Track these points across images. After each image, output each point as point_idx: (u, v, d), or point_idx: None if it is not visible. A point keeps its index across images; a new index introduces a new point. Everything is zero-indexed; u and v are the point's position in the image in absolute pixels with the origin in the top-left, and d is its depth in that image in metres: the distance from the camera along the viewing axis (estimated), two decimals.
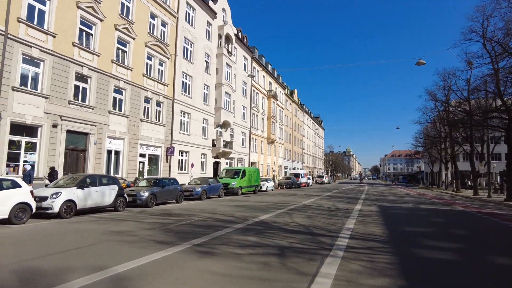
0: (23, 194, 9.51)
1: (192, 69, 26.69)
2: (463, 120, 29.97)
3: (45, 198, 10.38)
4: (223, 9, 33.03)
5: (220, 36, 31.81)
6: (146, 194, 14.52)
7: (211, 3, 30.05)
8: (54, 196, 10.44)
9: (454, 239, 8.48)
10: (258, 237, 7.80)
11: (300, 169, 60.37)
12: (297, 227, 9.48)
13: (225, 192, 22.55)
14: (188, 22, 26.53)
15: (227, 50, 32.15)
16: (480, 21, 21.95)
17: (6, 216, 9.04)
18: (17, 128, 13.78)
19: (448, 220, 12.44)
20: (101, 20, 17.80)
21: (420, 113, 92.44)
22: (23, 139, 14.08)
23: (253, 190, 27.31)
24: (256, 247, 6.81)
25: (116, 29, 18.84)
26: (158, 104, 22.76)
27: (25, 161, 13.97)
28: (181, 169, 25.42)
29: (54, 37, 15.16)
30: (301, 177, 44.09)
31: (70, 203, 10.78)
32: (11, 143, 13.58)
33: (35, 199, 9.97)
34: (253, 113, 41.25)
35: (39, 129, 14.59)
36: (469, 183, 40.12)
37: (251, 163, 39.58)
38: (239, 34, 37.23)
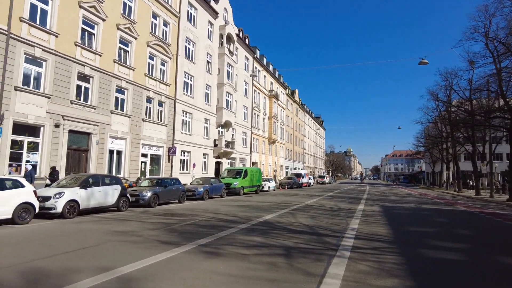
0: (26, 194, 9.48)
1: (194, 69, 26.67)
2: (465, 120, 29.89)
3: (48, 198, 10.35)
4: (225, 9, 33.00)
5: (221, 36, 31.79)
6: (149, 194, 14.48)
7: (212, 3, 30.00)
8: (57, 196, 10.42)
9: (458, 239, 8.44)
10: (263, 238, 7.77)
11: (301, 169, 60.37)
12: (301, 227, 9.45)
13: (227, 192, 22.54)
14: (190, 22, 26.51)
15: (229, 50, 32.12)
16: (483, 20, 21.88)
17: (10, 216, 9.01)
18: (20, 128, 13.75)
19: (451, 220, 12.39)
20: (103, 20, 17.79)
21: (421, 113, 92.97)
22: (26, 139, 14.06)
23: (255, 190, 27.30)
24: (261, 247, 6.78)
25: (118, 28, 18.83)
26: (160, 104, 22.74)
27: (27, 161, 13.95)
28: (183, 169, 25.40)
29: (57, 36, 15.15)
30: (303, 177, 44.05)
31: (73, 203, 10.75)
32: (14, 143, 13.56)
33: (38, 199, 9.94)
34: (255, 113, 41.22)
35: (41, 129, 14.58)
36: (471, 183, 40.02)
37: (253, 163, 39.56)
38: (241, 34, 37.18)
